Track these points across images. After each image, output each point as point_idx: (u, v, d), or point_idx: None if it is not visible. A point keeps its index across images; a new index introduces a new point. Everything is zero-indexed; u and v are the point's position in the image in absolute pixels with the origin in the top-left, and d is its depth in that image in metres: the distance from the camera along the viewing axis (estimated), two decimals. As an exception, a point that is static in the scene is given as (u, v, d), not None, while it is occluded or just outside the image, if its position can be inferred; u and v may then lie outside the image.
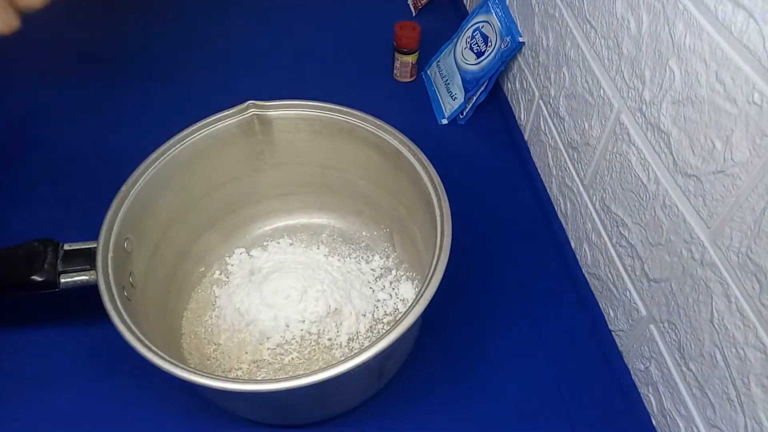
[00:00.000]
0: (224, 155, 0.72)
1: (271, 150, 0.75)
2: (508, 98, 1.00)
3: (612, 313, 0.73)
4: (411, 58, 1.01)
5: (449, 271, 0.56)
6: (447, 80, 0.98)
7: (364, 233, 0.79)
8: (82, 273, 0.59)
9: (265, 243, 0.79)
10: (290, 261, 0.74)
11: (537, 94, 0.87)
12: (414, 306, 0.54)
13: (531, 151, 0.92)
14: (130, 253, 0.62)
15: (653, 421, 0.66)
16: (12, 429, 0.64)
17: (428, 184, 0.64)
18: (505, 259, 0.80)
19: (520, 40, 0.88)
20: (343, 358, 0.51)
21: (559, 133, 0.81)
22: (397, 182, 0.70)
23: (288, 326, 0.68)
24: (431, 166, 0.65)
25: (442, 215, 0.61)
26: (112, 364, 0.68)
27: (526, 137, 0.94)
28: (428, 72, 1.05)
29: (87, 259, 0.59)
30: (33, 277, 0.59)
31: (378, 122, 0.69)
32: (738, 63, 0.47)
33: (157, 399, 0.66)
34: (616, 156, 0.67)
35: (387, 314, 0.72)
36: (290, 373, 0.67)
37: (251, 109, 0.70)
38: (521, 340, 0.72)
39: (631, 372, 0.70)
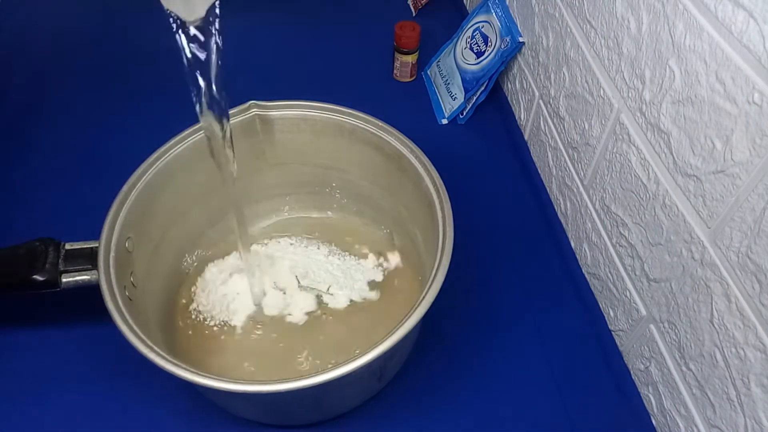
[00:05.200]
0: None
1: (273, 150, 0.75)
2: (508, 98, 1.00)
3: (612, 313, 0.73)
4: (411, 58, 1.01)
5: (449, 271, 0.57)
6: (447, 80, 0.98)
7: (364, 233, 0.79)
8: (84, 272, 0.59)
9: (265, 242, 0.79)
10: (290, 260, 0.74)
11: (537, 94, 0.87)
12: (416, 308, 0.54)
13: (531, 151, 0.92)
14: (131, 253, 0.62)
15: (653, 421, 0.66)
16: (13, 428, 0.65)
17: (430, 186, 0.64)
18: (505, 259, 0.80)
19: (520, 40, 0.89)
20: (343, 360, 0.52)
21: (559, 133, 0.81)
22: (399, 183, 0.70)
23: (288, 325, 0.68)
24: (433, 167, 0.65)
25: (444, 217, 0.61)
26: (113, 364, 0.68)
27: (526, 137, 0.94)
28: (428, 72, 1.05)
29: (88, 259, 0.60)
30: (34, 276, 0.59)
31: (380, 123, 0.69)
32: (738, 63, 0.47)
33: (157, 399, 0.66)
34: (616, 156, 0.67)
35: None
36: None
37: (253, 109, 0.70)
38: (521, 341, 0.72)
39: (631, 372, 0.70)
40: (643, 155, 0.62)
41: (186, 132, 0.68)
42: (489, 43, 0.92)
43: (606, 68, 0.67)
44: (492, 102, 0.98)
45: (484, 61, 0.92)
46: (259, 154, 0.75)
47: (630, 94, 0.63)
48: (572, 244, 0.81)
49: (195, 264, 0.75)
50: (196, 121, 0.69)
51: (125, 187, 0.63)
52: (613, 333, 0.73)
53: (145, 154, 0.66)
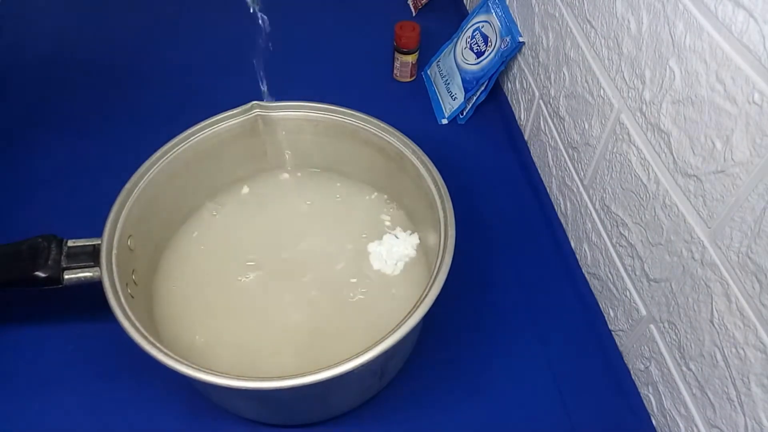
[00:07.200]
0: (227, 155, 0.72)
1: (275, 151, 0.75)
2: (508, 98, 1.00)
3: (612, 313, 0.73)
4: (411, 58, 1.01)
5: (449, 271, 0.57)
6: (447, 80, 0.98)
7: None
8: (86, 270, 0.59)
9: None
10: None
11: (537, 94, 0.88)
12: (417, 308, 0.54)
13: (531, 151, 0.92)
14: (133, 251, 0.62)
15: (653, 421, 0.67)
16: (13, 426, 0.65)
17: (432, 186, 0.64)
18: (505, 259, 0.80)
19: (520, 40, 0.89)
20: (345, 358, 0.52)
21: (559, 133, 0.81)
22: (400, 184, 0.71)
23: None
24: (435, 168, 0.65)
25: (445, 217, 0.61)
26: (114, 362, 0.68)
27: (526, 137, 0.94)
28: (428, 72, 1.06)
29: (90, 256, 0.60)
30: (37, 272, 0.59)
31: (381, 124, 0.69)
32: (738, 63, 0.47)
33: (159, 397, 0.66)
34: (616, 156, 0.67)
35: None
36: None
37: (255, 110, 0.71)
38: (521, 340, 0.72)
39: (631, 372, 0.70)
40: (643, 155, 0.62)
41: (189, 131, 0.69)
42: (489, 43, 0.92)
43: (606, 68, 0.67)
44: (492, 102, 0.98)
45: (484, 61, 0.93)
46: (261, 154, 0.75)
47: (630, 94, 0.63)
48: (572, 244, 0.81)
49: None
50: (196, 121, 0.70)
51: (128, 186, 0.63)
52: (613, 333, 0.73)
53: (147, 154, 0.66)
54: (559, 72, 0.79)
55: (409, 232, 0.72)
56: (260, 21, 0.55)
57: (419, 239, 0.72)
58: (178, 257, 0.72)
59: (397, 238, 0.72)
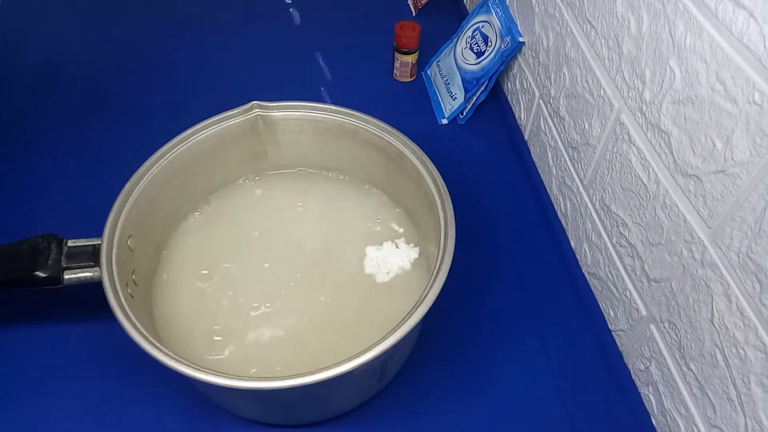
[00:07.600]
0: (228, 155, 0.72)
1: (275, 151, 0.75)
2: (508, 98, 1.00)
3: (612, 313, 0.73)
4: (411, 58, 1.01)
5: (449, 271, 0.57)
6: (447, 80, 0.98)
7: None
8: (86, 270, 0.59)
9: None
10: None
11: (537, 93, 0.88)
12: (417, 308, 0.54)
13: (531, 151, 0.92)
14: (133, 251, 0.62)
15: (653, 421, 0.67)
16: (13, 426, 0.65)
17: (431, 186, 0.64)
18: (505, 259, 0.80)
19: (520, 39, 0.89)
20: (344, 359, 0.52)
21: (559, 132, 0.81)
22: (400, 184, 0.71)
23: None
24: (435, 168, 0.65)
25: (445, 217, 0.61)
26: (114, 362, 0.68)
27: (526, 137, 0.94)
28: (428, 72, 1.05)
29: (91, 256, 0.60)
30: (36, 272, 0.59)
31: (381, 124, 0.69)
32: (738, 63, 0.47)
33: (159, 397, 0.66)
34: (616, 156, 0.67)
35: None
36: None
37: (255, 110, 0.71)
38: (521, 340, 0.72)
39: (631, 372, 0.70)
40: (643, 155, 0.62)
41: (189, 131, 0.69)
42: (489, 43, 0.92)
43: (606, 68, 0.67)
44: (492, 102, 0.98)
45: (484, 61, 0.93)
46: (261, 155, 0.75)
47: (630, 94, 0.63)
48: (572, 244, 0.81)
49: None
50: (196, 121, 0.70)
51: (128, 186, 0.63)
52: (613, 333, 0.73)
53: (147, 154, 0.66)
54: (559, 72, 0.79)
55: (412, 245, 0.72)
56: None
57: (419, 253, 0.71)
58: (178, 257, 0.72)
59: (397, 247, 0.72)
